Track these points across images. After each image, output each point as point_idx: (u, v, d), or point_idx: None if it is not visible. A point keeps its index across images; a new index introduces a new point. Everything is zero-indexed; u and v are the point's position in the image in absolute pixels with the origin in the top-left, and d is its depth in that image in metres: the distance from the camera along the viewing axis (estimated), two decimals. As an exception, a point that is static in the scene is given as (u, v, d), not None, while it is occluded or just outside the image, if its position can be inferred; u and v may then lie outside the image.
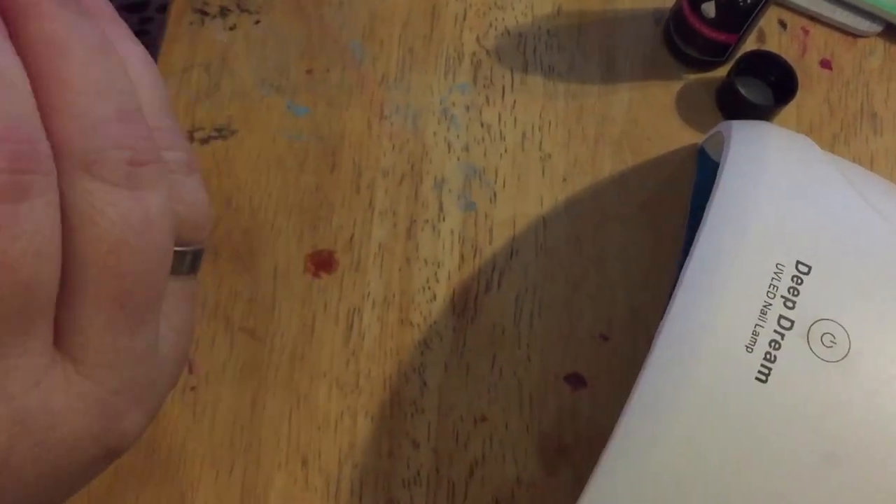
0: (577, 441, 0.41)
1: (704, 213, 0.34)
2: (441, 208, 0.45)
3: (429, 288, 0.43)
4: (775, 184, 0.34)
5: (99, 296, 0.19)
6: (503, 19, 0.49)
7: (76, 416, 0.20)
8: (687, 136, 0.47)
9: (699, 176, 0.46)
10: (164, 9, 0.49)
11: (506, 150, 0.46)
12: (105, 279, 0.19)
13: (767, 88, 0.47)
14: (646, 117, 0.47)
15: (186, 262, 0.23)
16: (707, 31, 0.45)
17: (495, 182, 0.45)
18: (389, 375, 0.41)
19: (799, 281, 0.32)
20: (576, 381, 0.42)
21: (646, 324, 0.43)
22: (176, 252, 0.22)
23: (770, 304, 0.31)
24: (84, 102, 0.19)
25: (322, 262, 0.43)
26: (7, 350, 0.18)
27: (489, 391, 0.41)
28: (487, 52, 0.48)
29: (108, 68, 0.20)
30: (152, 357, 0.21)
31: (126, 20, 0.22)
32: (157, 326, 0.21)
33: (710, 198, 0.34)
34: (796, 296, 0.31)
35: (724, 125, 0.41)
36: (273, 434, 0.40)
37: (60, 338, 0.19)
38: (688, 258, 0.33)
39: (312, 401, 0.41)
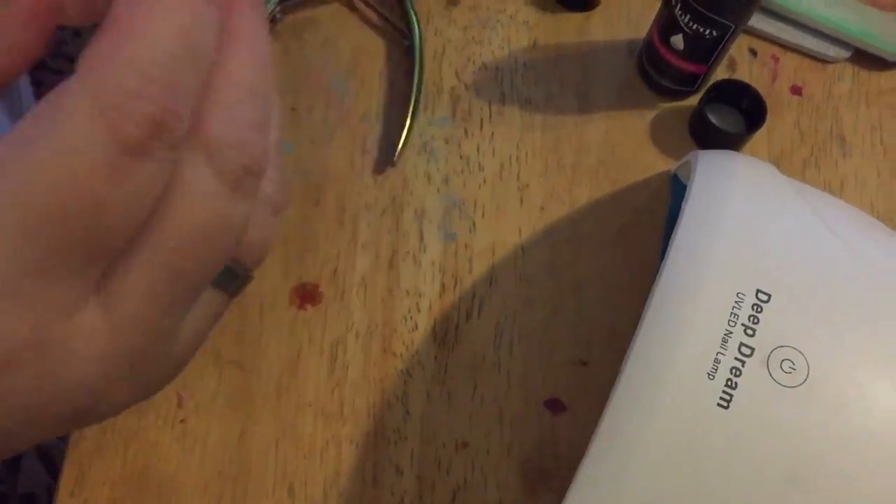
0: (558, 465, 0.42)
1: (668, 244, 0.35)
2: (422, 239, 0.46)
3: (411, 318, 0.44)
4: (737, 213, 0.35)
5: (157, 264, 0.20)
6: (481, 54, 0.50)
7: (88, 363, 0.20)
8: (661, 163, 0.48)
9: (673, 202, 0.47)
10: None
11: (484, 181, 0.47)
12: (171, 252, 0.20)
13: (739, 115, 0.49)
14: (621, 146, 0.49)
15: (233, 280, 0.24)
16: (677, 62, 0.46)
17: (474, 212, 0.47)
18: (373, 404, 0.43)
19: (759, 309, 0.33)
20: (555, 405, 0.43)
21: (623, 348, 0.44)
22: (229, 268, 0.23)
23: (731, 333, 0.32)
24: (235, 98, 0.21)
25: (307, 295, 0.44)
26: (61, 277, 0.19)
27: (470, 417, 0.43)
28: (466, 85, 0.49)
29: (264, 76, 0.22)
30: (167, 343, 0.23)
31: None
32: (183, 319, 0.23)
33: (675, 229, 0.36)
34: (756, 324, 0.33)
35: (692, 154, 0.42)
36: (261, 463, 0.41)
37: (105, 281, 0.20)
38: (653, 288, 0.34)
39: (299, 430, 0.42)
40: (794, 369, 0.32)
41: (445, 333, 0.44)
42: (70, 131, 0.18)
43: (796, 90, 0.50)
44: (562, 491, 0.42)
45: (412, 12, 0.49)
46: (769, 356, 0.32)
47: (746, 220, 0.35)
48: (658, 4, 0.46)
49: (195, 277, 0.21)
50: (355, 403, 0.43)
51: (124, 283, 0.20)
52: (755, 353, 0.32)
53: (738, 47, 0.51)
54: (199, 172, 0.20)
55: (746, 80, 0.50)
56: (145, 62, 0.18)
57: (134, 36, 0.18)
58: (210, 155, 0.20)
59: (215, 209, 0.21)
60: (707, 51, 0.45)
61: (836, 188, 0.48)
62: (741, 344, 0.32)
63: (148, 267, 0.20)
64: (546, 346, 0.44)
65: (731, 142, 0.47)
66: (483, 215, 0.47)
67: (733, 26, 0.43)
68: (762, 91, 0.48)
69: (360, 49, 0.50)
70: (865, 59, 0.51)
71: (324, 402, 0.42)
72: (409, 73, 0.49)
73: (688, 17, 0.43)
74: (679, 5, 0.43)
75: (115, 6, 0.18)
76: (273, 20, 0.49)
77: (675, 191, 0.47)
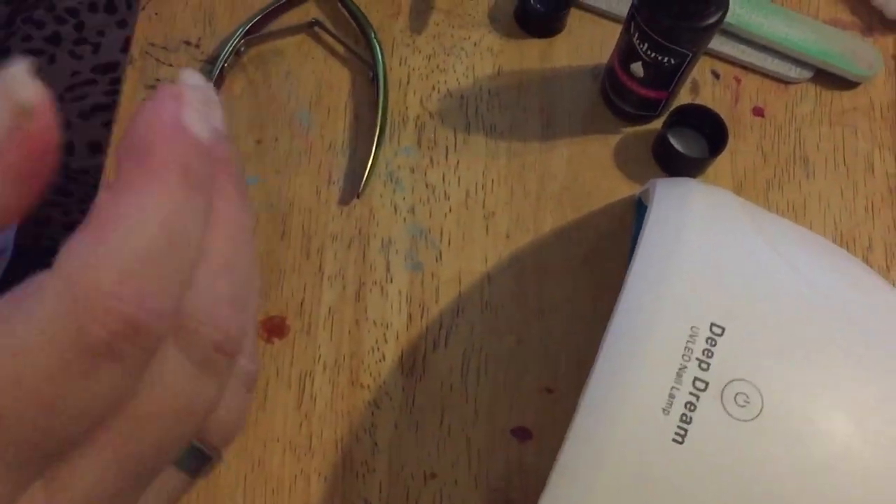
0: (525, 493, 0.42)
1: (625, 277, 0.36)
2: (388, 269, 0.46)
3: (378, 349, 0.45)
4: (692, 247, 0.36)
5: (111, 450, 0.19)
6: (445, 82, 0.51)
7: None
8: (625, 188, 0.49)
9: (636, 227, 0.47)
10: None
11: (450, 210, 0.48)
12: (127, 438, 0.19)
13: (702, 138, 0.49)
14: (585, 172, 0.49)
15: (199, 461, 0.22)
16: (638, 89, 0.47)
17: (441, 241, 0.47)
18: (341, 437, 0.43)
19: (713, 343, 0.33)
20: (522, 434, 0.43)
21: (589, 373, 0.44)
22: (195, 448, 0.22)
23: (685, 367, 0.33)
24: (210, 273, 0.19)
25: (274, 328, 0.45)
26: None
27: (438, 448, 0.43)
28: (431, 114, 0.50)
29: (243, 252, 0.20)
30: None
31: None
32: (136, 502, 0.21)
33: (630, 263, 0.36)
34: (710, 357, 0.33)
35: (652, 182, 0.43)
36: (229, 500, 0.41)
37: (50, 467, 0.18)
38: (609, 322, 0.35)
39: (267, 465, 0.42)
40: (749, 402, 0.32)
41: (413, 363, 0.44)
42: (32, 326, 0.16)
43: (758, 111, 0.51)
44: (529, 520, 0.42)
45: (375, 42, 0.50)
46: (723, 390, 0.33)
47: (701, 254, 0.36)
48: (618, 29, 0.47)
49: (153, 462, 0.20)
50: (323, 436, 0.43)
51: (73, 470, 0.18)
52: (709, 386, 0.32)
53: (701, 69, 0.51)
54: (167, 352, 0.19)
55: (709, 102, 0.51)
56: (127, 256, 0.17)
57: (117, 227, 0.17)
58: (178, 332, 0.19)
59: (181, 391, 0.19)
60: (667, 77, 0.45)
61: (799, 209, 0.49)
62: (695, 378, 0.33)
63: (99, 455, 0.19)
64: (512, 375, 0.44)
65: (694, 166, 0.48)
66: (449, 244, 0.47)
67: (690, 54, 0.43)
68: (725, 113, 0.49)
69: (324, 80, 0.50)
70: (827, 79, 0.51)
71: (292, 436, 0.43)
72: (374, 104, 0.49)
73: (646, 45, 0.44)
74: (637, 34, 0.44)
75: (101, 194, 0.18)
76: (237, 53, 0.49)
77: (639, 215, 0.47)
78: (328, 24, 0.51)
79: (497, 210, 0.48)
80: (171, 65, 0.50)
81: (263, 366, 0.44)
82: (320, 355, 0.44)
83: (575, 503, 0.32)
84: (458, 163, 0.49)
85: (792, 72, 0.51)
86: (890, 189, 0.49)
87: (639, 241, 0.37)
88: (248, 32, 0.49)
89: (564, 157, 0.49)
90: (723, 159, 0.49)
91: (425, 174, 0.48)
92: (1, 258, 0.63)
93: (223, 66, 0.48)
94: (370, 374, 0.44)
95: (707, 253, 0.36)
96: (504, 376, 0.44)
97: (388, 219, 0.47)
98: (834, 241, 0.48)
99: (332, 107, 0.50)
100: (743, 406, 0.32)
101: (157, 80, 0.49)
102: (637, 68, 0.45)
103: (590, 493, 0.32)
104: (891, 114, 0.51)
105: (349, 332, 0.45)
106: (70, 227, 0.64)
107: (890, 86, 0.52)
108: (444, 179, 0.48)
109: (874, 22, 0.53)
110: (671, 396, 0.32)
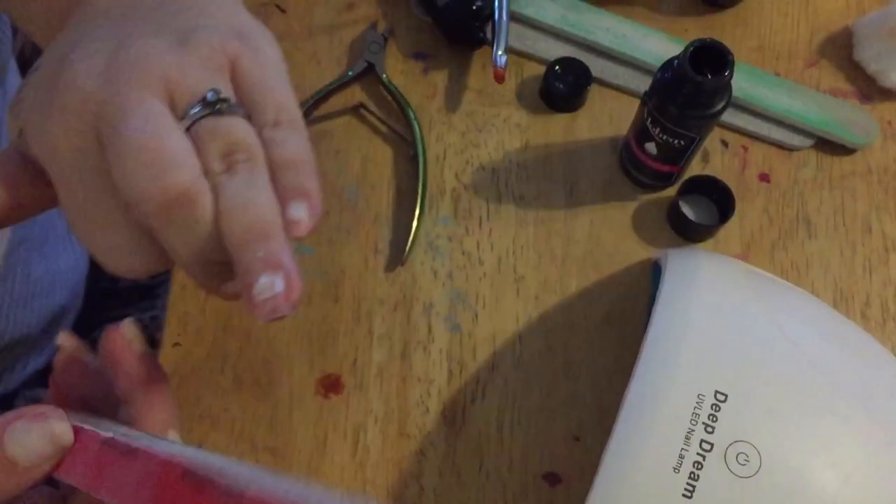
0: (556, 532, 0.48)
1: (641, 347, 0.41)
2: (430, 331, 0.52)
3: (422, 402, 0.50)
4: (699, 322, 0.41)
5: None
6: (478, 156, 0.56)
7: None
8: (643, 251, 0.54)
9: (653, 288, 0.52)
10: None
11: (484, 275, 0.53)
12: None
13: (712, 204, 0.54)
14: (606, 236, 0.54)
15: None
16: (652, 164, 0.52)
17: (476, 304, 0.52)
18: (391, 483, 0.48)
19: (717, 408, 0.38)
20: (552, 479, 0.49)
21: (611, 424, 0.50)
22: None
23: (693, 430, 0.38)
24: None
25: (330, 385, 0.50)
26: None
27: (477, 492, 0.48)
28: (465, 186, 0.55)
29: None
30: None
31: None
32: None
33: (645, 332, 0.41)
34: (715, 422, 0.38)
35: (664, 252, 0.48)
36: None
37: None
38: (627, 387, 0.40)
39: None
40: (748, 461, 0.38)
41: (454, 415, 0.50)
42: None
43: (764, 177, 0.56)
44: (560, 556, 0.47)
45: (415, 122, 0.55)
46: (726, 450, 0.38)
47: (707, 328, 0.41)
48: (635, 102, 0.52)
49: None
50: (376, 482, 0.48)
51: None
52: (714, 447, 0.38)
53: (711, 139, 0.56)
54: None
55: (719, 169, 0.56)
56: None
57: None
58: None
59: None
60: (678, 155, 0.50)
61: (802, 267, 0.53)
62: (702, 440, 0.38)
63: None
64: (543, 424, 0.50)
65: (705, 231, 0.53)
66: (484, 306, 0.52)
67: (698, 137, 0.48)
68: (733, 179, 0.54)
69: (369, 157, 0.56)
70: (828, 145, 0.56)
71: (349, 482, 0.48)
72: (414, 178, 0.55)
73: (657, 129, 0.49)
74: (650, 119, 0.49)
75: None
76: (292, 136, 0.55)
77: (655, 276, 0.53)
78: (371, 106, 0.57)
79: (527, 274, 0.53)
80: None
81: (322, 418, 0.49)
82: (372, 409, 0.50)
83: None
84: (490, 231, 0.54)
85: (795, 140, 0.56)
86: (886, 248, 0.54)
87: (653, 311, 0.42)
88: (303, 115, 0.55)
89: (587, 223, 0.54)
90: (732, 223, 0.54)
91: (461, 242, 0.54)
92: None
93: (280, 148, 0.54)
94: (416, 426, 0.50)
95: (712, 326, 0.41)
96: (535, 426, 0.50)
97: (429, 284, 0.53)
98: (834, 298, 0.52)
99: (376, 181, 0.55)
100: (743, 464, 0.37)
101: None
102: (651, 147, 0.50)
103: (612, 540, 0.37)
104: (887, 177, 0.55)
105: (396, 387, 0.50)
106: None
107: (886, 151, 0.56)
108: (478, 247, 0.54)
109: (872, 91, 0.58)
110: (681, 457, 0.37)
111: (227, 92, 0.30)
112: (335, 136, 0.56)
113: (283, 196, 0.30)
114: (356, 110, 0.57)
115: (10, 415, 0.26)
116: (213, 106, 0.29)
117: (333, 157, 0.56)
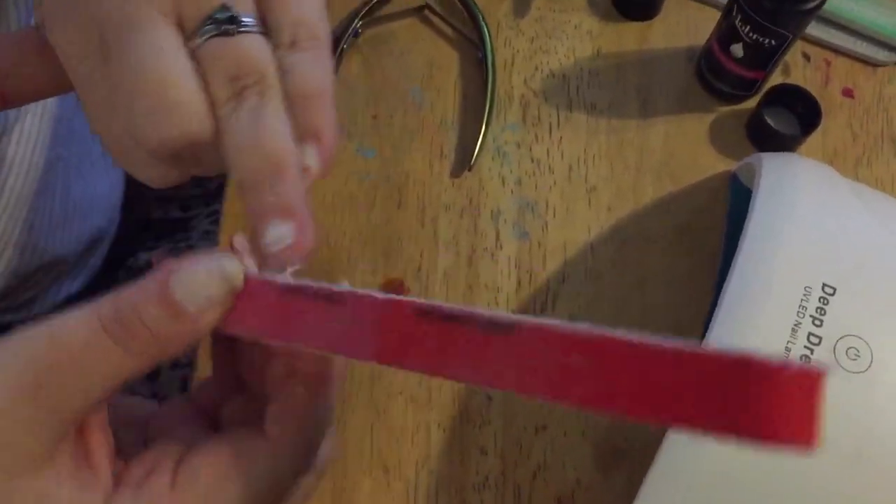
0: (630, 445, 0.45)
1: (739, 242, 0.38)
2: (498, 238, 0.49)
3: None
4: (802, 214, 0.39)
5: None
6: (548, 62, 0.53)
7: None
8: (720, 164, 0.51)
9: (732, 201, 0.50)
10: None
11: (554, 183, 0.51)
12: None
13: (794, 118, 0.52)
14: (682, 148, 0.52)
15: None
16: (736, 69, 0.49)
17: (546, 213, 0.50)
18: (457, 391, 0.46)
19: (825, 301, 0.36)
20: (626, 392, 0.46)
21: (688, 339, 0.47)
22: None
23: (800, 323, 0.36)
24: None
25: (394, 290, 0.48)
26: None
27: (542, 405, 0.46)
28: (534, 93, 0.53)
29: None
30: None
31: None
32: None
33: (744, 228, 0.39)
34: (823, 315, 0.36)
35: (755, 157, 0.45)
36: (357, 447, 0.45)
37: None
38: (724, 284, 0.37)
39: (390, 416, 0.46)
40: (859, 356, 0.35)
41: (522, 325, 0.47)
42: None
43: (848, 93, 0.53)
44: (634, 469, 0.45)
45: (484, 25, 0.53)
46: (836, 345, 0.35)
47: (810, 220, 0.38)
48: (713, 13, 0.49)
49: None
50: (441, 390, 0.46)
51: None
52: (822, 341, 0.35)
53: (793, 52, 0.54)
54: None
55: (800, 83, 0.53)
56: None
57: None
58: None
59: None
60: (765, 58, 0.48)
61: (887, 185, 0.51)
62: (810, 334, 0.35)
63: None
64: (616, 337, 0.47)
65: (788, 143, 0.50)
66: (554, 215, 0.50)
67: (791, 36, 0.46)
68: (815, 94, 0.51)
69: (434, 61, 0.53)
70: (914, 61, 0.54)
71: (413, 390, 0.46)
72: (482, 83, 0.52)
73: (748, 27, 0.46)
74: (740, 17, 0.46)
75: None
76: (355, 34, 0.52)
77: (734, 190, 0.50)
78: (437, 8, 0.54)
79: (598, 184, 0.51)
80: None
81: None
82: (437, 316, 0.48)
83: (692, 451, 0.35)
84: (560, 139, 0.52)
85: (880, 55, 0.54)
86: (976, 167, 0.51)
87: (750, 208, 0.40)
88: (364, 15, 0.52)
89: (661, 134, 0.52)
90: (814, 138, 0.51)
91: (530, 149, 0.51)
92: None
93: (342, 47, 0.52)
94: (483, 334, 0.47)
95: (815, 220, 0.39)
96: (608, 338, 0.47)
97: (496, 190, 0.50)
98: (922, 216, 0.50)
99: (442, 86, 0.53)
100: (854, 359, 0.35)
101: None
102: (737, 49, 0.48)
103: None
104: (977, 95, 0.53)
105: (463, 294, 0.48)
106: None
107: (976, 68, 0.54)
108: (548, 154, 0.51)
109: (960, 6, 0.55)
110: (787, 350, 0.35)
111: (240, 7, 0.27)
112: (399, 38, 0.54)
113: None
114: (421, 11, 0.54)
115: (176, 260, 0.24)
116: (222, 25, 0.26)
117: (397, 58, 0.53)
